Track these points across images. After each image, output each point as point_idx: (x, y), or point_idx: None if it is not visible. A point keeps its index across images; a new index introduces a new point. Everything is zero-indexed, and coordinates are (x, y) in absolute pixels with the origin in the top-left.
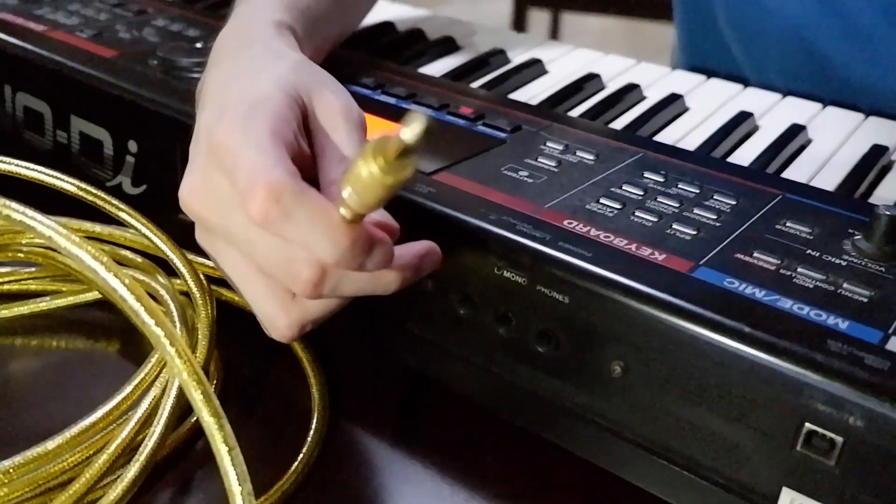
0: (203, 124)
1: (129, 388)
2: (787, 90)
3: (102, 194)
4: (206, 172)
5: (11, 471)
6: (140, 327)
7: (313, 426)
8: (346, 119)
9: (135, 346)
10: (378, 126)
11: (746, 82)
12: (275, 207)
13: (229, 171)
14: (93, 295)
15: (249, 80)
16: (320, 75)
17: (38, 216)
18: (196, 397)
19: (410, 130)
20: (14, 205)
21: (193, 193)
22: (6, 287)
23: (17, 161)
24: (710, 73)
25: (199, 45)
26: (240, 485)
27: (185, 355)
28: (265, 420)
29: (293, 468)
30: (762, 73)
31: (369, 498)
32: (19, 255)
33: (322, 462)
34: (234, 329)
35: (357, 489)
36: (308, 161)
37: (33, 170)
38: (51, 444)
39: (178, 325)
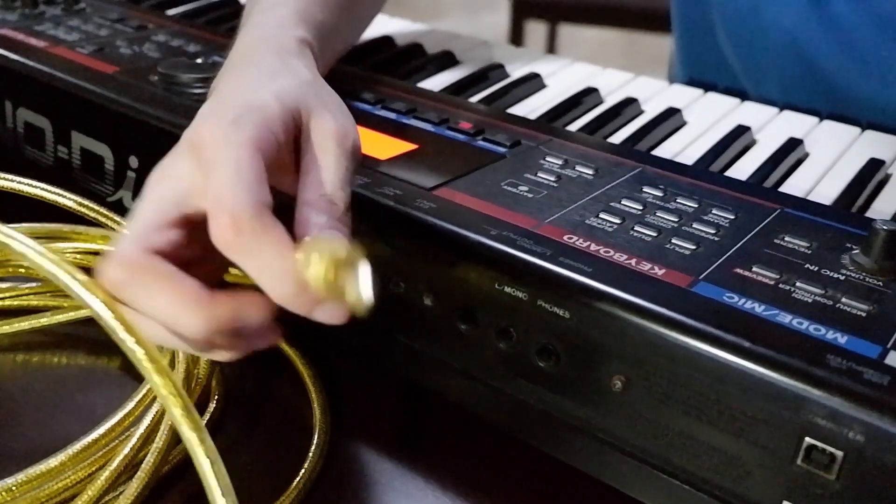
0: (199, 113)
1: (130, 405)
2: (785, 103)
3: (103, 210)
4: (179, 156)
5: (14, 488)
6: (119, 345)
7: (315, 441)
8: (338, 144)
9: None
10: (378, 141)
11: (745, 95)
12: (234, 238)
13: (203, 171)
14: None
15: (255, 87)
16: (327, 97)
17: (15, 234)
18: (175, 413)
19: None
20: None
21: (159, 169)
22: (7, 303)
23: (18, 178)
24: (708, 87)
25: (199, 60)
26: (223, 496)
27: (163, 371)
28: (267, 436)
29: (295, 483)
30: (761, 86)
31: None
32: (20, 270)
33: (324, 477)
34: None
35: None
36: (292, 176)
37: (35, 186)
38: (53, 462)
39: None
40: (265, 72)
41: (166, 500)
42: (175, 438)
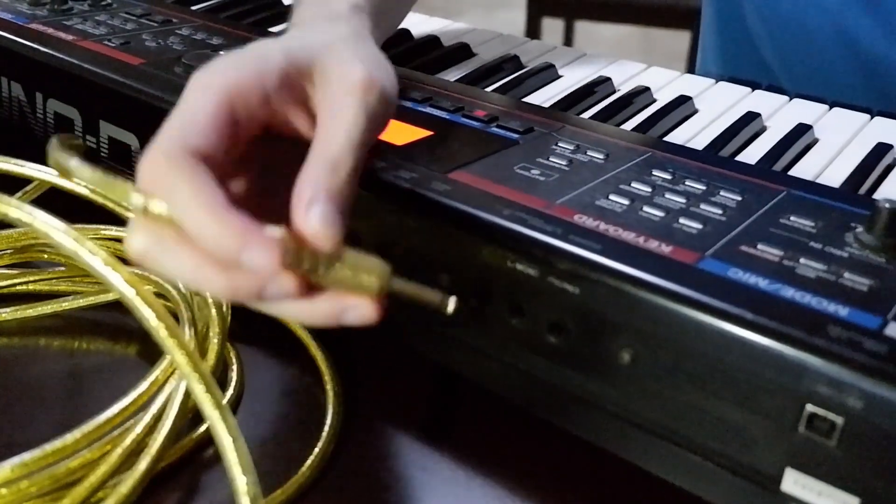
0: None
1: (144, 385)
2: (821, 89)
3: None
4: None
5: (29, 464)
6: (140, 320)
7: (327, 423)
8: (361, 96)
9: (154, 346)
10: (395, 128)
11: (778, 84)
12: (145, 174)
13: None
14: (114, 295)
15: (271, 41)
16: (365, 51)
17: (37, 212)
18: (197, 390)
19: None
20: (12, 200)
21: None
22: (31, 287)
23: (46, 168)
24: (738, 81)
25: (223, 52)
26: (244, 474)
27: (186, 348)
28: (280, 419)
29: (307, 465)
30: (798, 79)
31: (386, 487)
32: (43, 255)
33: (336, 459)
34: (252, 332)
35: (372, 480)
36: (290, 132)
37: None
38: (69, 438)
39: (186, 322)
40: (298, 32)
41: (173, 485)
42: (183, 419)
